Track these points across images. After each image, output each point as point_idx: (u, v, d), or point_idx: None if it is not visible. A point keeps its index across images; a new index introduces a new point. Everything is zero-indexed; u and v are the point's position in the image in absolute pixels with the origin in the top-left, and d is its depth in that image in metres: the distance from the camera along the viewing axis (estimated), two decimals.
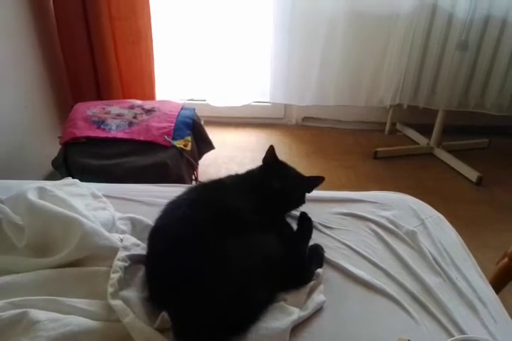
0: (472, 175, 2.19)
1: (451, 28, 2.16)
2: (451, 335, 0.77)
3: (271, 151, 1.04)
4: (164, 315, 0.74)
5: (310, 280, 0.86)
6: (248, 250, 0.81)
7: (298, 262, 0.87)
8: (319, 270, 0.89)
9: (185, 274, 0.75)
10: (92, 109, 1.83)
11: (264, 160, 1.05)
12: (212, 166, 2.24)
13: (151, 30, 2.22)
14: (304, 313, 0.80)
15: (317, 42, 2.33)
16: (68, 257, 0.82)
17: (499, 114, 2.30)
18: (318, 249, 0.96)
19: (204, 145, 1.97)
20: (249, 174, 1.04)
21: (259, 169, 1.05)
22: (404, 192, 1.24)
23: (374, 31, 2.27)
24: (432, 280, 0.91)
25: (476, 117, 2.42)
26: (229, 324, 0.72)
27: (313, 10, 2.25)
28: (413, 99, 2.38)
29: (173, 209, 0.90)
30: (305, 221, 1.04)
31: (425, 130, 2.48)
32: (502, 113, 2.29)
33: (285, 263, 0.83)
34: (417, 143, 2.53)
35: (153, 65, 2.30)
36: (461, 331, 0.79)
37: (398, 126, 2.69)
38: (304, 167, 2.33)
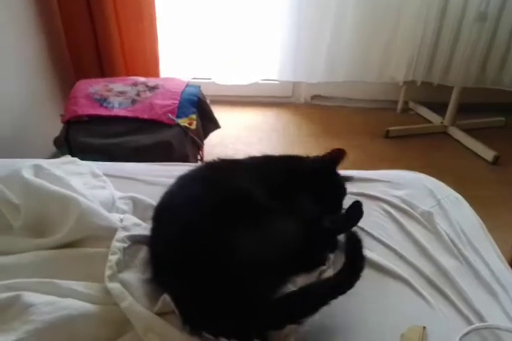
0: (488, 154, 2.11)
1: None
2: (469, 321, 0.73)
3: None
4: (166, 297, 0.71)
5: (323, 264, 0.82)
6: (260, 234, 0.76)
7: (314, 249, 0.82)
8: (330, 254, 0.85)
9: (193, 256, 0.72)
10: (95, 86, 1.77)
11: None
12: (219, 146, 2.19)
13: (154, 6, 2.14)
14: None
15: (327, 17, 2.23)
16: (65, 238, 0.78)
17: None
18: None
19: (210, 124, 1.91)
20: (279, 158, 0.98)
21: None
22: (418, 172, 1.18)
23: (387, 2, 2.16)
24: (448, 262, 0.86)
25: (492, 95, 2.32)
26: (237, 306, 0.69)
27: None
28: (427, 76, 2.28)
29: (183, 186, 0.86)
30: (353, 212, 0.94)
31: (439, 108, 2.39)
32: None
33: (300, 250, 0.79)
34: (431, 122, 2.44)
35: (157, 41, 2.22)
36: (480, 317, 0.74)
37: (411, 105, 2.60)
38: (313, 147, 2.29)
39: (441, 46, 2.19)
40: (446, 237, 0.91)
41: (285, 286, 0.76)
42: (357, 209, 0.92)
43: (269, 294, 0.73)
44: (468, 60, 2.15)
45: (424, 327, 0.68)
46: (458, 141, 2.27)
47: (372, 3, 2.17)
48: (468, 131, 2.27)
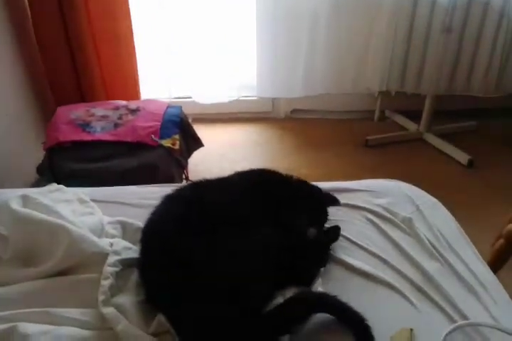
0: (463, 158, 2.19)
1: (434, 13, 2.14)
2: (453, 321, 0.76)
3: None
4: (160, 318, 0.72)
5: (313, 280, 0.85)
6: (247, 248, 0.80)
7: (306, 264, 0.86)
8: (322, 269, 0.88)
9: (182, 272, 0.74)
10: (76, 111, 1.79)
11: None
12: (202, 164, 2.21)
13: (131, 30, 2.17)
14: None
15: (301, 32, 2.29)
16: (56, 266, 0.79)
17: (486, 95, 2.29)
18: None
19: (193, 143, 1.94)
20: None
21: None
22: (397, 179, 1.23)
23: (358, 17, 2.24)
24: (430, 266, 0.90)
25: (462, 100, 2.41)
26: (229, 320, 0.71)
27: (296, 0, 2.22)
28: (400, 86, 2.36)
29: (169, 207, 0.89)
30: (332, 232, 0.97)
31: (414, 115, 2.47)
32: (488, 94, 2.29)
33: (288, 261, 0.82)
34: (407, 129, 2.52)
35: (135, 64, 2.25)
36: (463, 316, 0.78)
37: (387, 113, 2.67)
38: (296, 159, 2.33)
39: (411, 57, 2.27)
40: (427, 241, 0.95)
41: (274, 299, 0.79)
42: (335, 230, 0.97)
43: (261, 307, 0.75)
44: (438, 69, 2.24)
45: (411, 329, 0.71)
46: (434, 147, 2.34)
47: (345, 19, 2.24)
48: (443, 136, 2.35)
